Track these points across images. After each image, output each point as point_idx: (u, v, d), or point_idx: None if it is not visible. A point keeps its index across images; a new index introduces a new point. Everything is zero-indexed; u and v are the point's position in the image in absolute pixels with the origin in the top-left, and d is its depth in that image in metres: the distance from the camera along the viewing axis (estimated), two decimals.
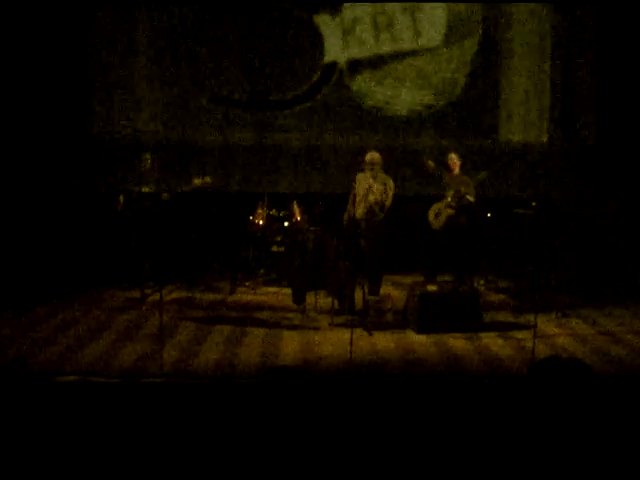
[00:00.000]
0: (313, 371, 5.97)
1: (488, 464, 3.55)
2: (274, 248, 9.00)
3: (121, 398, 5.24)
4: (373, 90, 9.29)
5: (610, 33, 9.17)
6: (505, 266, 9.23)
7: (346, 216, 7.49)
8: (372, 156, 7.44)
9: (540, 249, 8.42)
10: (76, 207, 8.94)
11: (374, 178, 7.40)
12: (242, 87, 9.28)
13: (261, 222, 8.93)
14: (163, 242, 8.12)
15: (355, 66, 9.27)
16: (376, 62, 9.26)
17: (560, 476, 3.31)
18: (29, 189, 8.66)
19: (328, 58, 9.27)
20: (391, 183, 7.51)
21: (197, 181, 8.28)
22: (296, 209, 8.93)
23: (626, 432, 4.15)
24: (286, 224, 8.99)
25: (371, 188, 7.26)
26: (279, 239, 8.98)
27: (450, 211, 8.35)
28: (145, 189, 8.25)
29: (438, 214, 8.43)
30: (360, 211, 7.29)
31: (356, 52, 9.23)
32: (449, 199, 8.35)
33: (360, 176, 7.36)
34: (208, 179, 8.33)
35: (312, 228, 8.16)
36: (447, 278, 8.38)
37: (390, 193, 7.47)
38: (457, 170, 8.49)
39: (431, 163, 8.33)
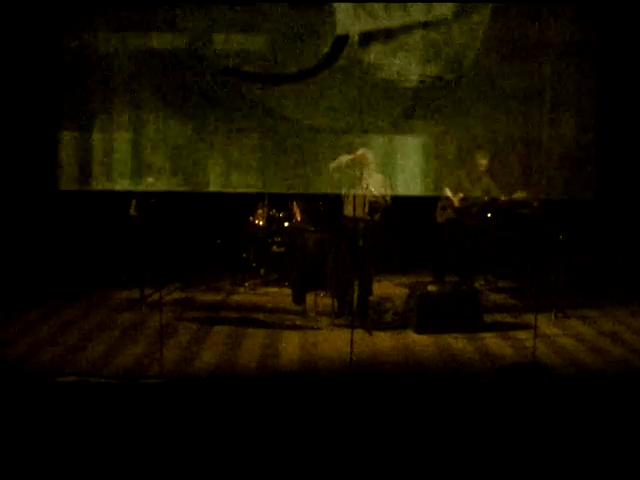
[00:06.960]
0: (313, 371, 5.98)
1: (488, 464, 3.55)
2: (274, 248, 8.99)
3: (121, 399, 5.24)
4: (385, 63, 9.25)
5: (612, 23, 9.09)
6: (505, 266, 9.22)
7: (346, 213, 7.48)
8: (364, 155, 7.42)
9: (540, 249, 8.41)
10: (75, 207, 8.90)
11: (368, 177, 7.37)
12: (252, 60, 9.14)
13: (261, 222, 8.92)
14: (162, 242, 8.10)
15: (367, 39, 9.19)
16: (387, 34, 9.20)
17: (560, 474, 3.31)
18: (28, 189, 8.63)
19: (340, 31, 9.21)
20: (388, 182, 7.50)
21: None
22: (296, 209, 8.93)
23: (627, 431, 4.15)
24: (286, 224, 8.99)
25: (368, 187, 7.23)
26: (279, 239, 8.97)
27: (452, 214, 8.34)
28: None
29: (444, 208, 8.43)
30: (359, 210, 7.27)
31: (367, 25, 9.16)
32: (455, 201, 8.33)
33: (356, 175, 7.35)
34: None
35: (312, 228, 8.16)
36: (455, 278, 8.38)
37: (388, 192, 7.45)
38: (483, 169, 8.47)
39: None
